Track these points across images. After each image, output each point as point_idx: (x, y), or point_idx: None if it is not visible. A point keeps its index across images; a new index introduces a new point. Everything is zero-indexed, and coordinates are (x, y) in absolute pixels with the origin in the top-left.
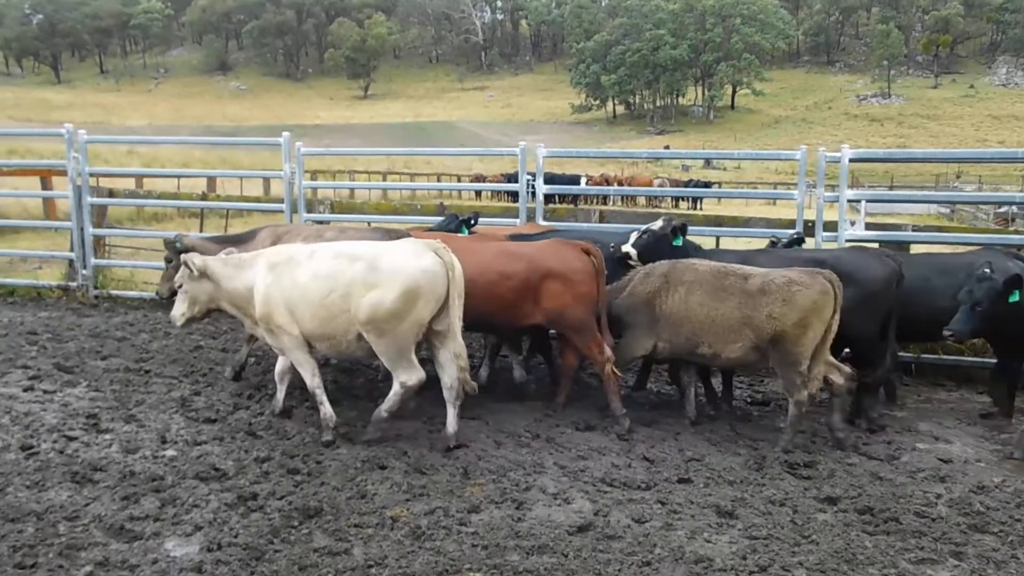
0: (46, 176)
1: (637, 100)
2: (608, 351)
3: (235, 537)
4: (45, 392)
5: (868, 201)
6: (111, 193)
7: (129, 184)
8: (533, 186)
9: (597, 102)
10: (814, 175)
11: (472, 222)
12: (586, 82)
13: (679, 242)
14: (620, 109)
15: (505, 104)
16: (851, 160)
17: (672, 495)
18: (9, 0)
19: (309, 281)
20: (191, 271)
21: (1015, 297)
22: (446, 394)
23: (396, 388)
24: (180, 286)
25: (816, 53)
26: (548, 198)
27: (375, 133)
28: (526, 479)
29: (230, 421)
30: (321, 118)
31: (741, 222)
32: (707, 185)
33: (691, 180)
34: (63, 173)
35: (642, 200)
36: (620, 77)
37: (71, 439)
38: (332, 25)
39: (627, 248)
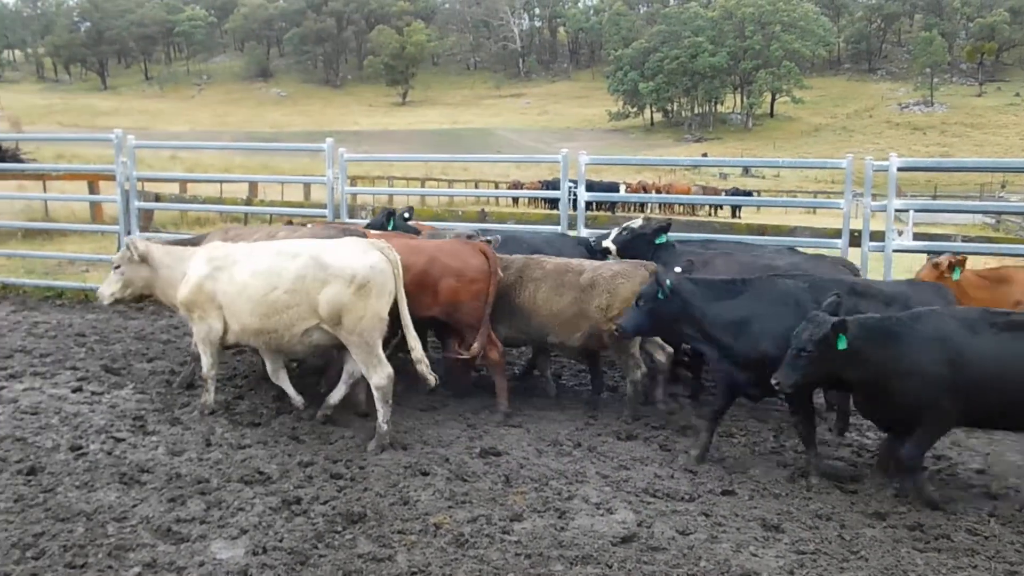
0: (93, 180)
1: (675, 107)
2: (499, 348)
3: (280, 541)
4: (93, 393)
5: (917, 211)
6: (157, 198)
7: (173, 189)
8: (574, 193)
9: (634, 109)
10: (860, 184)
11: (407, 216)
12: (623, 89)
13: (662, 240)
14: (658, 116)
15: (542, 111)
16: (899, 169)
17: (716, 507)
18: (59, 8)
19: (249, 278)
20: (132, 254)
21: (842, 344)
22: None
23: (376, 395)
24: (117, 267)
25: (857, 60)
26: (589, 205)
27: (413, 139)
28: (568, 488)
29: (273, 425)
30: (360, 124)
31: (785, 231)
32: (747, 193)
33: (733, 188)
34: (110, 177)
35: (679, 208)
36: (658, 84)
37: (119, 440)
38: (372, 32)
39: (607, 243)
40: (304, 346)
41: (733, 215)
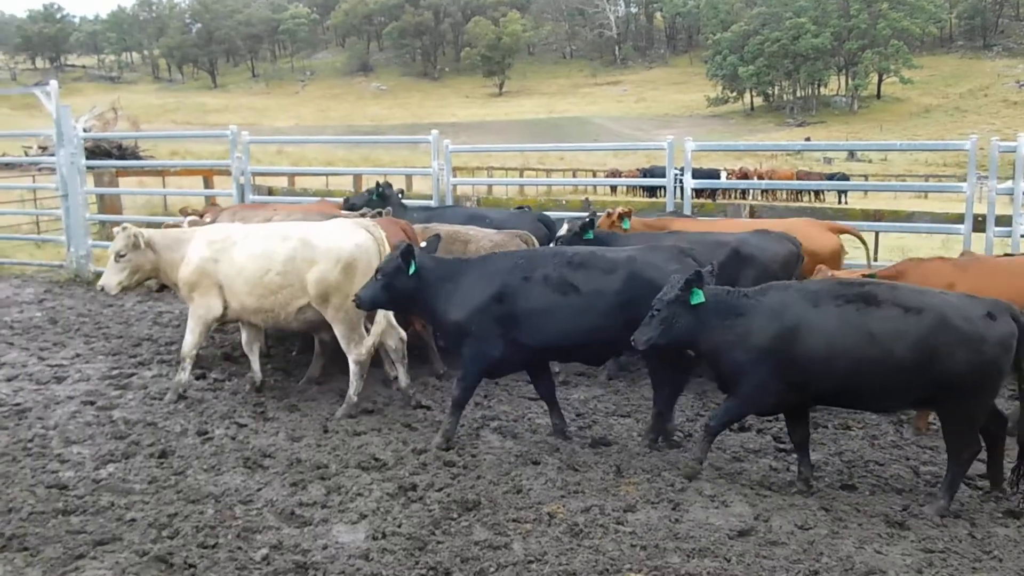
0: (208, 176)
1: (776, 91)
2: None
3: (398, 527)
4: (216, 380)
5: None
6: (270, 191)
7: (283, 182)
8: (680, 180)
9: (734, 94)
10: (983, 166)
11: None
12: (723, 74)
13: (590, 236)
14: (758, 101)
15: (639, 98)
16: None
17: (836, 502)
18: (171, 11)
19: (246, 261)
20: (138, 242)
21: (698, 298)
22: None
23: (353, 368)
24: (123, 255)
25: (971, 37)
26: (694, 192)
27: (510, 130)
28: (681, 479)
29: (386, 413)
30: (457, 116)
31: (903, 216)
32: (845, 178)
33: (839, 173)
34: (225, 172)
35: (782, 194)
36: (758, 68)
37: (241, 426)
38: (468, 24)
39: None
40: (300, 323)
41: (839, 200)
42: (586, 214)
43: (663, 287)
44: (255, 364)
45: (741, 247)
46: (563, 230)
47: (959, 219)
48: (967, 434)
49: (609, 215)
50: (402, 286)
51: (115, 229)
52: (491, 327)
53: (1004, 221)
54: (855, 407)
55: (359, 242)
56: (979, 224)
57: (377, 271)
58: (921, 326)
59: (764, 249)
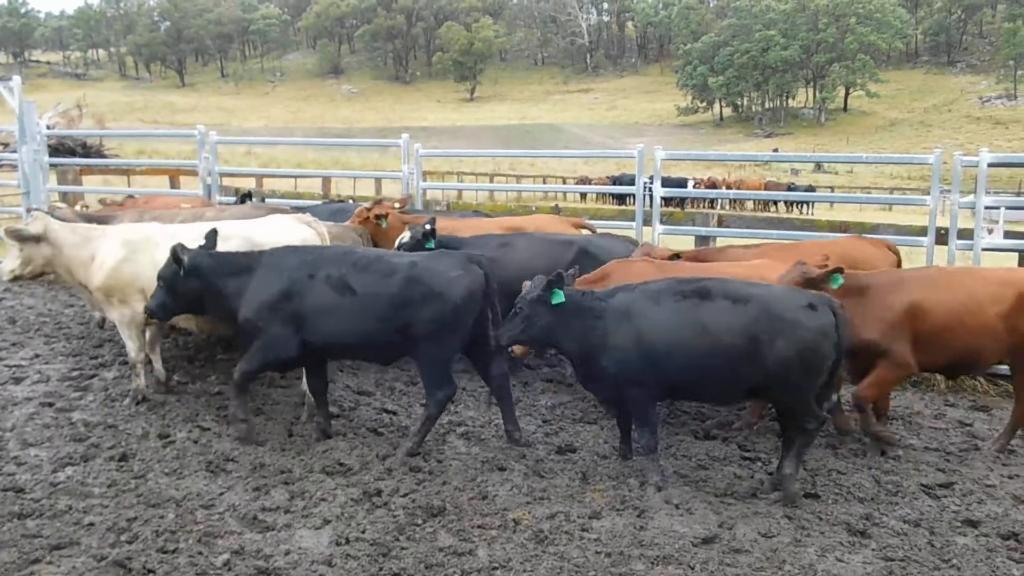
0: (174, 175)
1: (745, 102)
2: None
3: (362, 532)
4: (179, 383)
5: (1008, 208)
6: (236, 192)
7: (250, 183)
8: (649, 189)
9: (704, 104)
10: (947, 180)
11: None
12: (693, 84)
13: (431, 245)
14: (727, 111)
15: (610, 106)
16: (990, 164)
17: (799, 510)
18: (140, 8)
19: None
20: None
21: (559, 298)
22: None
23: None
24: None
25: (936, 53)
26: (663, 201)
27: (481, 135)
28: (646, 487)
29: (352, 417)
30: (429, 120)
31: (869, 228)
32: (810, 190)
33: (791, 184)
34: (192, 172)
35: (750, 204)
36: (728, 79)
37: (204, 429)
38: (440, 29)
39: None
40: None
41: (802, 211)
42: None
43: (440, 293)
44: (158, 364)
45: (588, 247)
46: (406, 236)
47: (922, 232)
48: (807, 408)
49: (366, 211)
50: (183, 288)
51: (34, 211)
52: (279, 324)
53: (966, 234)
54: (700, 399)
55: (304, 237)
56: (942, 237)
57: (158, 277)
58: (746, 316)
59: (608, 250)
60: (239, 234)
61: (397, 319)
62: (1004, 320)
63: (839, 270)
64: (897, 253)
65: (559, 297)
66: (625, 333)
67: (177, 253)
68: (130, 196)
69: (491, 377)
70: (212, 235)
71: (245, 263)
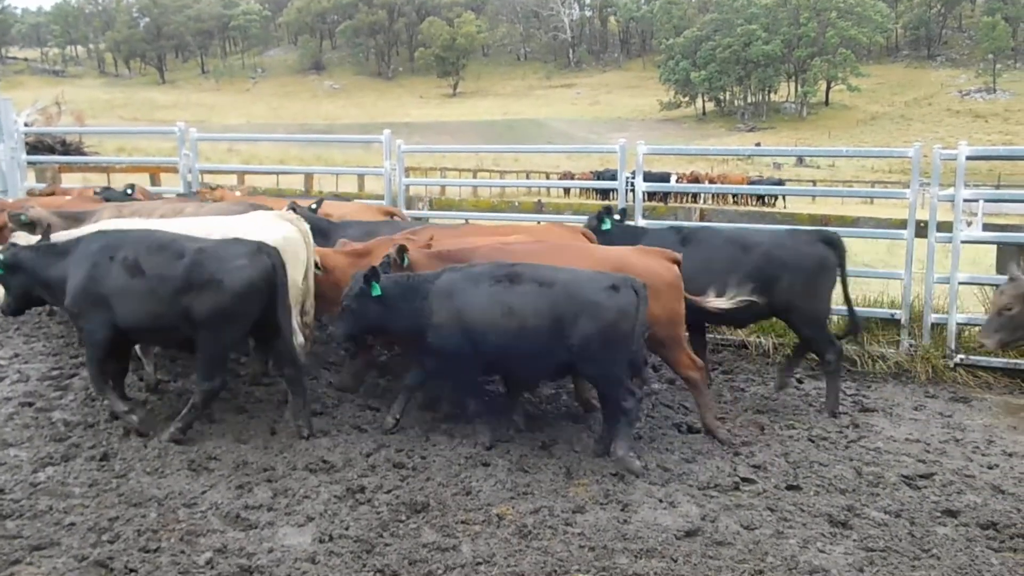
0: (155, 173)
1: (727, 97)
2: None
3: (346, 529)
4: (160, 381)
5: (986, 200)
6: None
7: (232, 180)
8: (632, 184)
9: (686, 99)
10: (926, 173)
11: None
12: (675, 79)
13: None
14: (710, 106)
15: (593, 101)
16: (968, 157)
17: (781, 502)
18: (119, 4)
19: None
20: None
21: (377, 291)
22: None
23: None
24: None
25: (916, 47)
26: (646, 196)
27: (464, 131)
28: (630, 481)
29: (335, 415)
30: (411, 116)
31: (849, 222)
32: (780, 183)
33: (758, 176)
34: (172, 170)
35: (732, 198)
36: (710, 73)
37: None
38: (423, 24)
39: None
40: None
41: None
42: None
43: (223, 278)
44: (149, 367)
45: None
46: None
47: (902, 225)
48: (618, 386)
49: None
50: (14, 284)
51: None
52: (92, 308)
53: (945, 227)
54: (513, 375)
55: (285, 234)
56: (921, 230)
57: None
58: (551, 297)
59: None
60: (220, 230)
61: (178, 303)
62: None
63: (404, 248)
64: (593, 239)
65: (376, 290)
66: (448, 311)
67: (10, 246)
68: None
69: (282, 369)
70: (47, 230)
71: (62, 250)
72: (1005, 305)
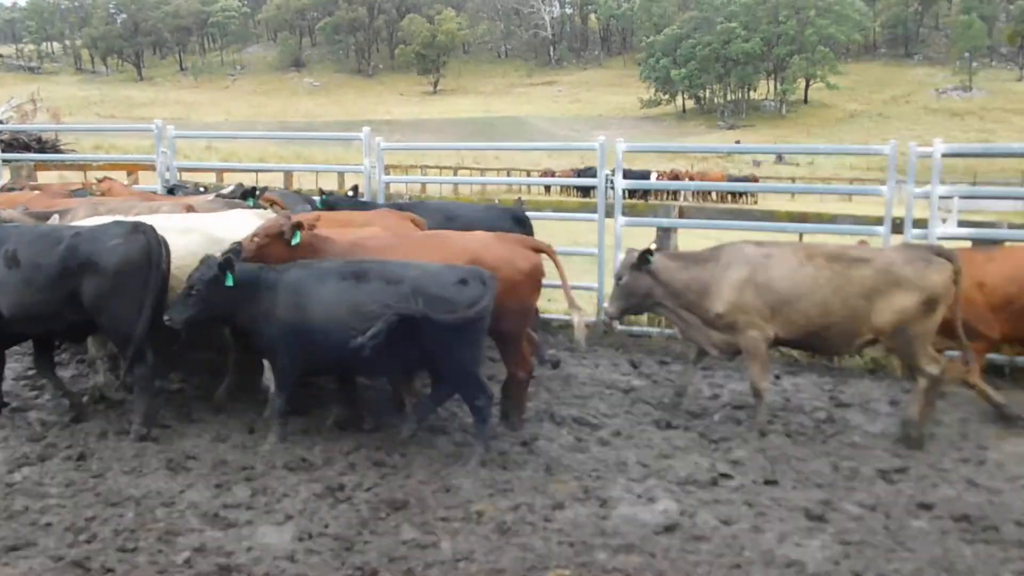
0: (132, 170)
1: (707, 94)
2: None
3: (325, 527)
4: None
5: (961, 197)
6: (197, 187)
7: (210, 178)
8: (612, 181)
9: (666, 97)
10: (902, 170)
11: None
12: (655, 76)
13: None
14: (690, 104)
15: (574, 99)
16: (944, 155)
17: (759, 497)
18: (96, 1)
19: None
20: None
21: (230, 281)
22: None
23: None
24: None
25: (894, 45)
26: (625, 193)
27: (445, 128)
28: (609, 477)
29: (315, 414)
30: (392, 114)
31: (827, 219)
32: (753, 180)
33: (729, 174)
34: (150, 167)
35: (713, 195)
36: (690, 71)
37: (164, 427)
38: (403, 21)
39: None
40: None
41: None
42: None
43: (96, 262)
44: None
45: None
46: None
47: (879, 222)
48: (472, 383)
49: None
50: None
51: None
52: None
53: (921, 223)
54: (363, 374)
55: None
56: (898, 226)
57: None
58: (400, 294)
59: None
60: (198, 229)
61: (61, 289)
62: None
63: (299, 225)
64: (422, 225)
65: (230, 280)
66: (292, 306)
67: None
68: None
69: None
70: None
71: None
72: (617, 275)
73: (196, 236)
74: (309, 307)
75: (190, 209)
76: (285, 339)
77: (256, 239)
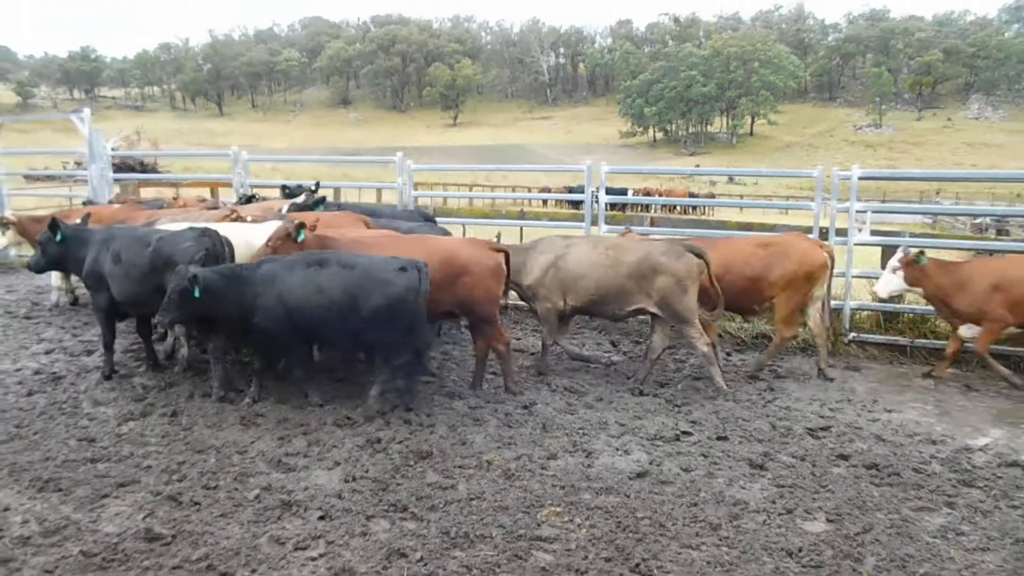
0: (214, 187)
1: (673, 128)
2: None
3: (366, 472)
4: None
5: (873, 212)
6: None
7: (276, 192)
8: (597, 196)
9: (641, 129)
10: (826, 190)
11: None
12: (632, 113)
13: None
14: (659, 135)
15: (566, 131)
16: (860, 178)
17: (712, 450)
18: (187, 53)
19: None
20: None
21: (197, 294)
22: None
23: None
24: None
25: (821, 90)
26: (607, 206)
27: (462, 153)
28: (593, 433)
29: (356, 381)
30: (420, 141)
31: (768, 228)
32: (710, 197)
33: (690, 192)
34: (228, 185)
35: (678, 208)
36: (660, 109)
37: (239, 391)
38: (430, 68)
39: None
40: None
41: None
42: None
43: (178, 260)
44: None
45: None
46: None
47: (809, 231)
48: (399, 352)
49: None
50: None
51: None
52: None
53: (842, 233)
54: (326, 347)
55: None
56: (823, 235)
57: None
58: (351, 277)
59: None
60: (236, 236)
61: (150, 282)
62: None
63: (302, 225)
64: (369, 224)
65: (197, 293)
66: (272, 294)
67: None
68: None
69: None
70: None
71: None
72: None
73: (235, 242)
74: (287, 291)
75: (236, 216)
76: (275, 323)
77: (270, 243)
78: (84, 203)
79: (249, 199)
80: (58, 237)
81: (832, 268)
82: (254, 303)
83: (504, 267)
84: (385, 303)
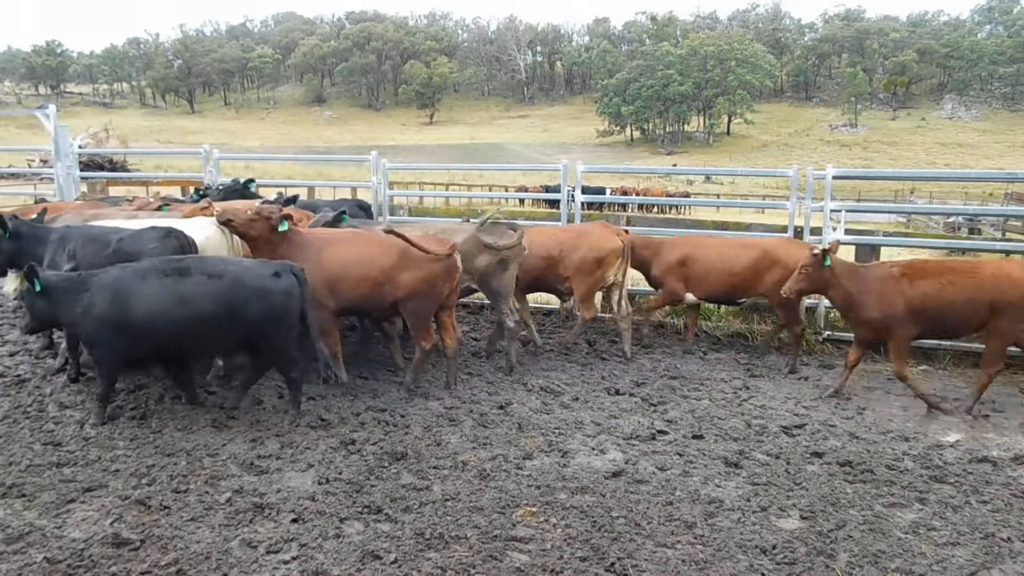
0: (185, 186)
1: (650, 127)
2: None
3: (340, 474)
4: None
5: (847, 211)
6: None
7: None
8: (573, 196)
9: (618, 128)
10: (801, 189)
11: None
12: (609, 112)
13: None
14: (636, 134)
15: (543, 129)
16: (834, 177)
17: (688, 448)
18: (157, 49)
19: None
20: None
21: (40, 285)
22: None
23: None
24: None
25: (797, 90)
26: (583, 205)
27: (439, 152)
28: (569, 433)
29: (331, 381)
30: (396, 140)
31: (744, 227)
32: (687, 196)
33: (667, 191)
34: (199, 183)
35: (655, 208)
36: (637, 108)
37: (210, 393)
38: (405, 66)
39: None
40: None
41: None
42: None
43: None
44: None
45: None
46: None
47: (784, 230)
48: (285, 361)
49: None
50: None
51: None
52: None
53: (816, 231)
54: (182, 357)
55: (208, 235)
56: (798, 233)
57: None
58: (221, 287)
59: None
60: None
61: None
62: (385, 273)
63: (288, 217)
64: (309, 217)
65: (40, 284)
66: (110, 303)
67: None
68: None
69: None
70: None
71: None
72: None
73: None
74: (134, 303)
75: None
76: (109, 334)
77: (249, 213)
78: (36, 201)
79: (290, 200)
80: (7, 235)
81: (627, 256)
82: (90, 312)
83: (457, 265)
84: (262, 313)
